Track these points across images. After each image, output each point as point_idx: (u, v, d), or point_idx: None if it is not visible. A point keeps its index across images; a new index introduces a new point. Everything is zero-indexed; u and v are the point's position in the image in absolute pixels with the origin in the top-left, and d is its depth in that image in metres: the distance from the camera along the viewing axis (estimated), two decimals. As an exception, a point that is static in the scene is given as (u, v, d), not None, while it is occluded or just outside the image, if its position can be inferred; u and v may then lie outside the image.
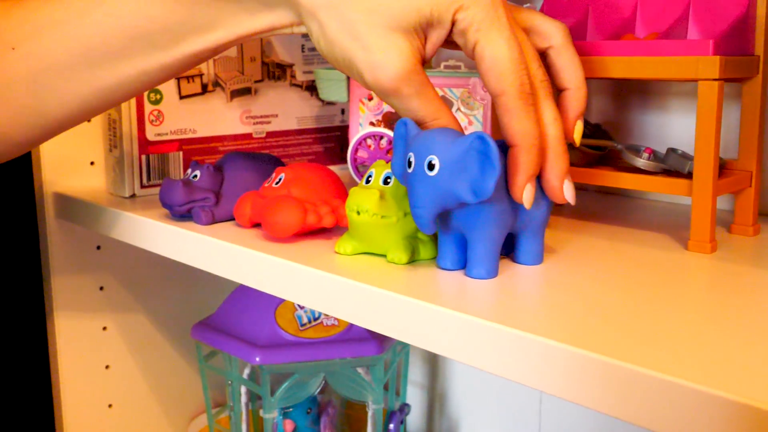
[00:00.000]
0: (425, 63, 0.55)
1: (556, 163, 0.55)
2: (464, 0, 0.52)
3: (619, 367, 0.40)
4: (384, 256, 0.59)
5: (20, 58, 0.60)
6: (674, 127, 0.81)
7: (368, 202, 0.56)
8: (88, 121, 0.87)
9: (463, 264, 0.56)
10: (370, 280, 0.54)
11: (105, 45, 0.59)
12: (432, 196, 0.52)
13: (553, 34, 0.58)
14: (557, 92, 0.59)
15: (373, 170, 0.59)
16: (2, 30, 0.60)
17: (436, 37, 0.54)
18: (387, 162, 0.60)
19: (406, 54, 0.53)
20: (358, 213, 0.57)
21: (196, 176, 0.71)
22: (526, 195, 0.53)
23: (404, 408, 0.97)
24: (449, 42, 0.56)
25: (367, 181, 0.59)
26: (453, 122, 0.55)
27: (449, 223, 0.55)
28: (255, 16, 0.58)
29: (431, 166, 0.52)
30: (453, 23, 0.53)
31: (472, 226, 0.54)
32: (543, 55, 0.58)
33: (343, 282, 0.55)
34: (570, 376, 0.43)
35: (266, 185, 0.68)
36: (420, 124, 0.55)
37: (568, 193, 0.56)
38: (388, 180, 0.58)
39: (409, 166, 0.53)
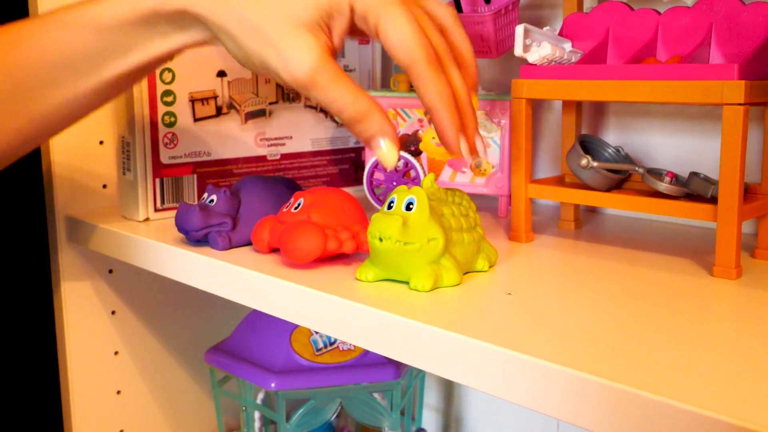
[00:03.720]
0: (336, 54, 0.59)
1: (469, 121, 0.60)
2: None
3: (640, 396, 0.40)
4: (406, 283, 0.58)
5: None
6: (695, 150, 0.80)
7: (391, 229, 0.55)
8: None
9: None
10: (389, 307, 0.54)
11: (33, 78, 0.62)
12: None
13: (443, 15, 0.62)
14: None
15: (395, 196, 0.58)
16: None
17: (339, 27, 0.59)
18: (408, 187, 0.59)
19: (314, 47, 0.57)
20: (381, 240, 0.56)
21: (212, 201, 0.71)
22: (463, 147, 0.59)
23: (420, 433, 0.96)
24: (355, 31, 0.60)
25: (389, 207, 0.58)
26: (373, 105, 0.58)
27: None
28: (168, 37, 0.62)
29: None
30: (351, 11, 0.58)
31: None
32: None
33: (363, 309, 0.54)
34: (587, 404, 0.42)
35: (285, 210, 0.67)
36: (342, 113, 0.58)
37: (479, 148, 0.62)
38: (411, 206, 0.57)
39: None
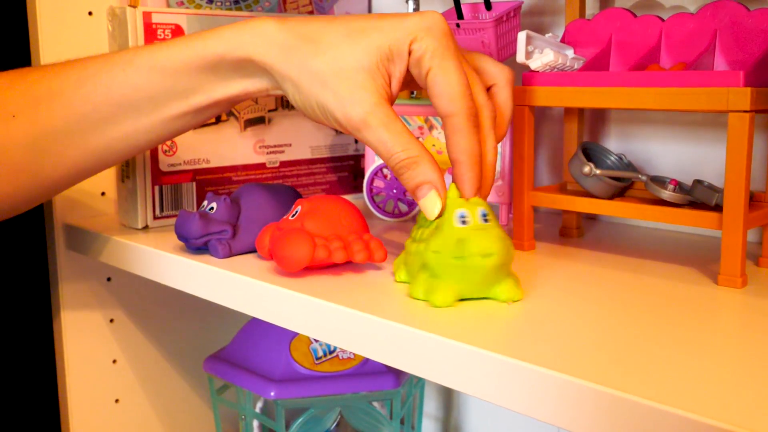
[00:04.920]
0: (393, 100, 0.61)
1: (486, 184, 0.61)
2: (418, 32, 0.58)
3: (643, 405, 0.39)
4: (484, 299, 0.57)
5: (19, 124, 0.65)
6: (698, 158, 0.80)
7: (497, 244, 0.54)
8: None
9: None
10: (389, 315, 0.53)
11: (95, 112, 0.65)
12: None
13: (498, 74, 0.64)
14: None
15: (464, 210, 0.56)
16: (5, 100, 0.65)
17: (398, 70, 0.60)
18: (465, 199, 0.57)
19: (371, 89, 0.58)
20: (486, 257, 0.54)
21: (212, 208, 0.70)
22: None
23: (420, 442, 0.95)
24: (409, 82, 0.62)
25: (463, 222, 0.56)
26: (424, 153, 0.58)
27: None
28: (231, 83, 0.64)
29: None
30: (409, 54, 0.59)
31: None
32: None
33: (363, 318, 0.54)
34: (590, 413, 0.41)
35: (286, 217, 0.67)
36: (391, 158, 0.58)
37: None
38: (486, 217, 0.56)
39: None
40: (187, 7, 0.87)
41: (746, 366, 0.44)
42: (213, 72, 0.64)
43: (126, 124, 0.66)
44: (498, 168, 0.82)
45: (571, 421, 0.43)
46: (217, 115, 0.73)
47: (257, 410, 0.89)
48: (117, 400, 0.96)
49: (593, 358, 0.45)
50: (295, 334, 0.87)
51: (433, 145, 0.84)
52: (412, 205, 0.85)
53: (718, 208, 0.63)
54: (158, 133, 0.67)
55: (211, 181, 0.85)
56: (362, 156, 0.98)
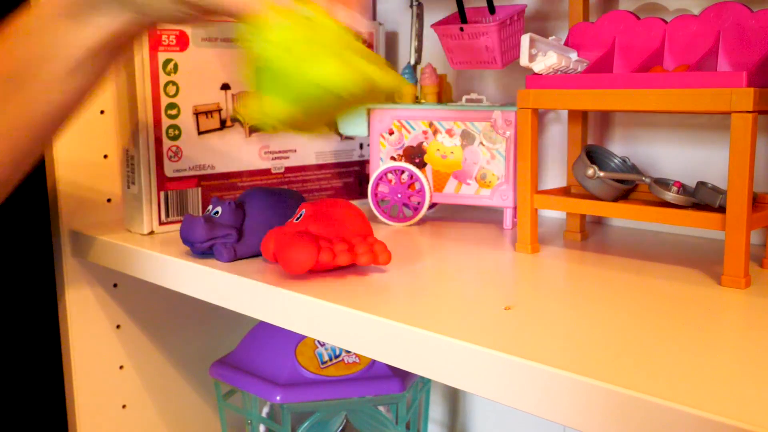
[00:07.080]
0: None
1: None
2: None
3: (649, 402, 0.40)
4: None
5: None
6: (701, 160, 0.80)
7: None
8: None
9: None
10: (396, 316, 0.53)
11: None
12: None
13: None
14: None
15: None
16: None
17: None
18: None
19: None
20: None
21: (217, 212, 0.70)
22: None
23: (426, 447, 0.95)
24: None
25: None
26: None
27: None
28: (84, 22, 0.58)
29: None
30: None
31: None
32: None
33: (369, 319, 0.54)
34: (597, 411, 0.42)
35: (291, 221, 0.67)
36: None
37: None
38: None
39: None
40: (192, 14, 0.87)
41: (751, 364, 0.45)
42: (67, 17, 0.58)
43: (16, 96, 0.59)
44: (502, 171, 0.82)
45: (580, 419, 0.43)
46: (113, 62, 0.64)
47: (263, 415, 0.89)
48: (124, 406, 0.96)
49: (600, 358, 0.45)
50: (300, 339, 0.87)
51: (437, 150, 0.84)
52: (417, 209, 0.85)
53: (721, 209, 0.63)
54: (62, 94, 0.60)
55: (217, 186, 0.85)
56: (367, 162, 0.98)
